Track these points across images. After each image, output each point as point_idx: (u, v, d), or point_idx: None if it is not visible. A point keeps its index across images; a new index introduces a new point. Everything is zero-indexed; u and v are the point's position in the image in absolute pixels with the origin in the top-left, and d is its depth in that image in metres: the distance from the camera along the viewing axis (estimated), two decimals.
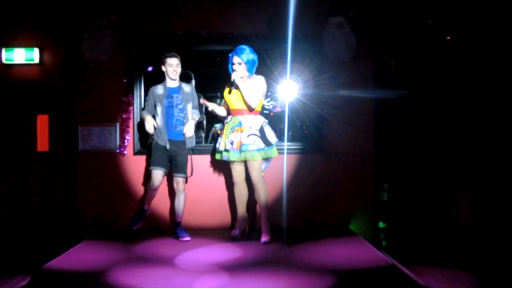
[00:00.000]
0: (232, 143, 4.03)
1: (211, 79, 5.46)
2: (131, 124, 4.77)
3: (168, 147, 4.13)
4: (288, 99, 4.81)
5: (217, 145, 4.22)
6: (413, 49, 4.68)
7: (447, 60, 4.57)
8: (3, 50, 4.76)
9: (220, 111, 4.27)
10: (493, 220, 4.12)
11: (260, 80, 4.09)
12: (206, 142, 5.18)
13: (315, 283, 3.02)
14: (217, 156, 4.27)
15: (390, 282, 3.17)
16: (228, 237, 4.22)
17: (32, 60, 4.75)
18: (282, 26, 4.61)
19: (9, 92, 4.87)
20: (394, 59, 4.78)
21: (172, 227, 4.41)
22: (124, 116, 4.74)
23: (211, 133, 5.32)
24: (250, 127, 4.02)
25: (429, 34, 4.58)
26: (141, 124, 4.35)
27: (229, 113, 4.20)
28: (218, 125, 5.17)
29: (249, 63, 4.06)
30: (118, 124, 4.77)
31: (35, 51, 4.75)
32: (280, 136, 5.02)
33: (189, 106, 4.21)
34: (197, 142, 4.70)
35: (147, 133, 4.31)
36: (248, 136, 3.99)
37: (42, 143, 4.87)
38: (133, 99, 4.76)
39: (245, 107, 4.05)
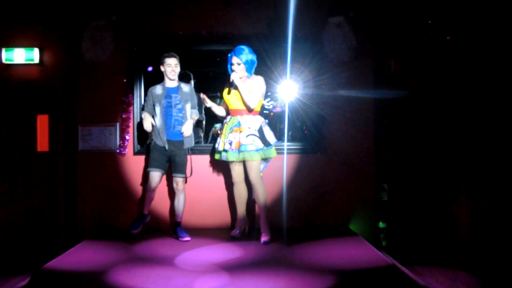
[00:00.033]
0: (231, 143, 4.03)
1: (211, 79, 5.47)
2: (131, 124, 4.77)
3: (167, 147, 4.13)
4: (288, 99, 4.81)
5: (216, 145, 4.22)
6: (413, 49, 4.68)
7: (447, 60, 4.57)
8: (3, 50, 4.75)
9: (219, 110, 4.27)
10: (493, 220, 4.12)
11: (259, 80, 4.09)
12: (206, 142, 5.18)
13: (315, 283, 3.02)
14: (216, 156, 4.27)
15: (390, 282, 3.17)
16: (228, 237, 4.22)
17: (32, 60, 4.75)
18: (282, 26, 4.61)
19: (9, 92, 4.86)
20: (394, 59, 4.78)
21: (172, 227, 4.41)
22: (124, 116, 4.74)
23: (211, 133, 5.33)
24: (249, 127, 4.02)
25: (429, 34, 4.58)
26: (141, 124, 4.35)
27: (228, 113, 4.20)
28: (218, 125, 5.17)
29: (248, 64, 4.05)
30: (118, 124, 4.77)
31: (35, 51, 4.74)
32: (280, 136, 5.03)
33: (188, 106, 4.20)
34: (196, 142, 4.70)
35: (145, 133, 4.31)
36: (247, 136, 3.99)
37: (42, 143, 4.87)
38: (133, 99, 4.76)
39: (244, 108, 4.05)
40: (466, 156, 4.46)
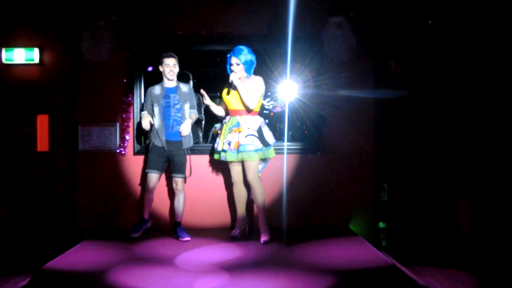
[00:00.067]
0: (229, 144, 4.03)
1: (211, 79, 5.47)
2: (131, 124, 4.77)
3: (166, 148, 4.13)
4: (288, 99, 4.80)
5: (216, 145, 4.22)
6: (413, 49, 4.68)
7: (447, 60, 4.57)
8: (3, 50, 4.76)
9: (218, 110, 4.27)
10: (493, 220, 4.12)
11: (258, 80, 4.09)
12: (206, 142, 5.18)
13: (315, 283, 3.02)
14: (216, 156, 4.27)
15: (390, 282, 3.17)
16: (228, 237, 4.22)
17: (32, 60, 4.75)
18: (282, 26, 4.61)
19: (9, 92, 4.87)
20: (394, 59, 4.78)
21: (172, 227, 4.41)
22: (124, 116, 4.74)
23: (211, 133, 5.33)
24: (248, 128, 4.02)
25: (429, 34, 4.58)
26: (140, 124, 4.34)
27: (227, 113, 4.20)
28: (217, 125, 5.17)
29: (247, 64, 4.05)
30: (118, 124, 4.77)
31: (35, 51, 4.75)
32: (280, 136, 5.03)
33: (187, 106, 4.20)
34: (196, 142, 4.70)
35: (144, 132, 4.31)
36: (246, 136, 3.99)
37: (42, 143, 4.87)
38: (133, 99, 4.76)
39: (243, 108, 4.05)
40: (466, 156, 4.46)
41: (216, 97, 5.23)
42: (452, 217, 4.56)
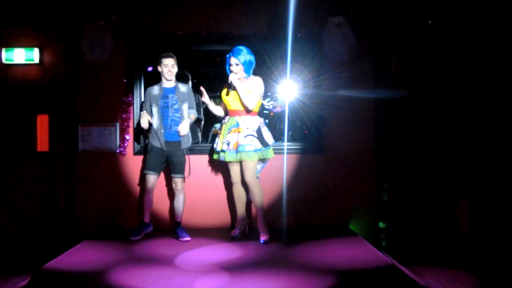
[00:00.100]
0: (228, 144, 4.03)
1: (211, 79, 5.47)
2: (131, 124, 4.77)
3: (164, 148, 4.12)
4: (288, 99, 4.81)
5: (215, 145, 4.22)
6: (413, 49, 4.68)
7: (447, 60, 4.57)
8: (3, 50, 4.76)
9: (216, 110, 4.26)
10: (493, 220, 4.12)
11: (257, 81, 4.09)
12: (206, 142, 5.18)
13: (315, 283, 3.02)
14: (215, 156, 4.27)
15: (390, 282, 3.17)
16: (228, 237, 4.22)
17: (32, 60, 4.75)
18: (282, 26, 4.61)
19: (9, 92, 4.87)
20: (394, 59, 4.78)
21: (172, 227, 4.41)
22: (124, 116, 4.74)
23: (211, 133, 5.33)
24: (248, 128, 4.02)
25: (429, 34, 4.57)
26: (139, 123, 4.33)
27: (226, 113, 4.20)
28: (217, 125, 5.17)
29: (246, 64, 4.05)
30: (118, 124, 4.77)
31: (35, 51, 4.75)
32: (280, 136, 5.03)
33: (185, 106, 4.19)
34: (195, 143, 4.70)
35: (143, 131, 4.30)
36: (245, 136, 3.99)
37: (42, 143, 4.87)
38: (133, 99, 4.76)
39: (242, 108, 4.05)
40: (466, 156, 4.45)
41: (216, 97, 5.24)
42: (452, 217, 4.56)
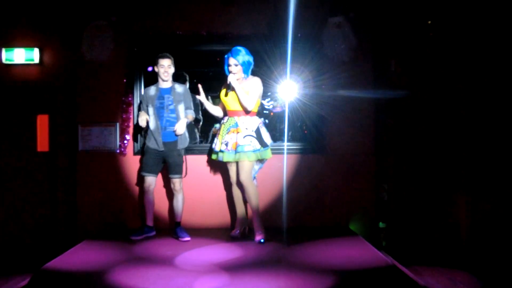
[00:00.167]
0: (227, 144, 4.03)
1: (211, 79, 5.47)
2: (131, 124, 4.77)
3: (160, 149, 4.12)
4: (288, 99, 4.81)
5: (213, 146, 4.22)
6: (413, 49, 4.68)
7: (447, 60, 4.57)
8: (3, 50, 4.76)
9: (213, 109, 4.25)
10: (493, 220, 4.12)
11: (256, 81, 4.09)
12: (206, 142, 5.18)
13: (315, 283, 3.02)
14: (213, 157, 4.27)
15: (390, 282, 3.17)
16: (228, 237, 4.22)
17: (32, 60, 4.75)
18: (282, 26, 4.61)
19: (9, 92, 4.87)
20: (394, 59, 4.78)
21: (171, 227, 4.41)
22: (124, 116, 4.75)
23: (211, 133, 5.32)
24: (247, 128, 4.02)
25: (429, 34, 4.57)
26: (137, 123, 4.33)
27: (225, 114, 4.20)
28: (218, 125, 5.16)
29: (245, 65, 4.05)
30: (118, 124, 4.77)
31: (35, 51, 4.75)
32: (280, 136, 5.03)
33: (181, 107, 4.18)
34: (194, 143, 4.70)
35: (141, 130, 4.30)
36: (244, 137, 3.99)
37: (42, 143, 4.87)
38: (133, 99, 4.76)
39: (241, 109, 4.05)
40: (466, 156, 4.45)
41: (216, 97, 5.23)
42: (452, 217, 4.56)
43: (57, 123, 4.84)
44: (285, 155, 4.67)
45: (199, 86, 4.07)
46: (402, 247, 4.58)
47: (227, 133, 4.05)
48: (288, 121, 4.77)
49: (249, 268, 3.34)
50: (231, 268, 3.33)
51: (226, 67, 4.10)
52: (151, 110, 4.16)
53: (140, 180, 4.72)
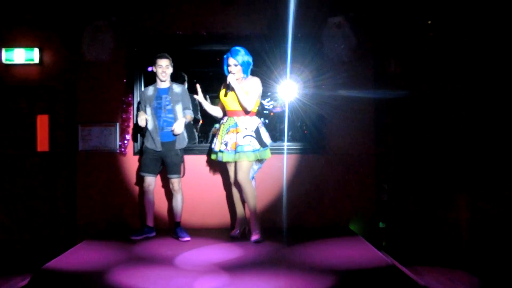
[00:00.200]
0: (226, 144, 4.02)
1: (211, 79, 5.47)
2: (131, 124, 4.77)
3: (158, 149, 4.12)
4: (288, 99, 4.81)
5: (213, 146, 4.22)
6: (413, 49, 4.68)
7: (447, 60, 4.57)
8: (3, 50, 4.76)
9: (211, 109, 4.24)
10: (493, 220, 4.12)
11: (255, 81, 4.09)
12: (206, 141, 5.18)
13: (315, 283, 3.02)
14: (213, 157, 4.27)
15: (390, 282, 3.17)
16: (228, 237, 4.22)
17: (32, 60, 4.75)
18: (282, 26, 4.61)
19: (9, 92, 4.87)
20: (394, 59, 4.78)
21: (171, 227, 4.41)
22: (124, 116, 4.75)
23: (211, 133, 5.33)
24: (246, 128, 4.02)
25: (429, 34, 4.57)
26: (137, 123, 4.33)
27: (225, 114, 4.20)
28: (217, 125, 5.16)
29: (244, 65, 4.05)
30: (118, 124, 4.77)
31: (35, 51, 4.75)
32: (280, 136, 5.03)
33: (179, 107, 4.17)
34: (193, 143, 4.69)
35: (140, 130, 4.30)
36: (244, 137, 3.98)
37: (42, 143, 4.87)
38: (133, 99, 4.76)
39: (240, 109, 4.05)
40: (466, 156, 4.45)
41: (216, 97, 5.23)
42: (452, 217, 4.56)
43: (57, 123, 4.84)
44: (285, 155, 4.67)
45: (197, 86, 4.07)
46: (402, 247, 4.58)
47: (227, 133, 4.05)
48: (288, 121, 4.77)
49: (249, 268, 3.34)
50: (231, 268, 3.33)
51: (225, 67, 4.10)
52: (148, 110, 4.16)
53: (140, 180, 4.72)
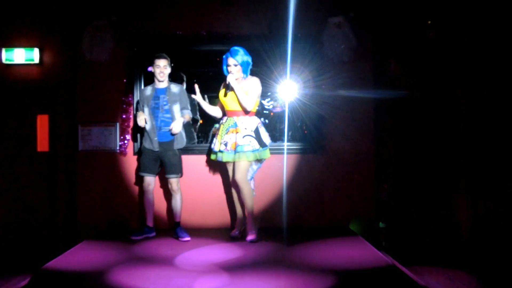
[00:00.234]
0: (226, 144, 4.02)
1: (211, 79, 5.46)
2: (131, 124, 4.77)
3: (156, 149, 4.12)
4: (288, 99, 4.81)
5: (213, 146, 4.22)
6: (413, 49, 4.68)
7: (447, 60, 4.57)
8: (3, 50, 4.76)
9: (210, 109, 4.24)
10: (493, 220, 4.12)
11: (255, 81, 4.09)
12: (206, 142, 5.18)
13: (315, 283, 3.02)
14: (212, 157, 4.27)
15: (390, 282, 3.17)
16: (228, 237, 4.22)
17: (32, 60, 4.75)
18: (282, 26, 4.61)
19: (9, 92, 4.87)
20: (394, 59, 4.78)
21: (171, 227, 4.41)
22: (124, 116, 4.75)
23: (211, 133, 5.32)
24: (246, 128, 4.02)
25: (429, 35, 4.57)
26: (136, 123, 4.33)
27: (224, 114, 4.20)
28: (217, 125, 5.16)
29: (244, 65, 4.05)
30: (118, 124, 4.77)
31: (35, 51, 4.75)
32: (280, 136, 5.03)
33: (176, 107, 4.17)
34: (192, 143, 4.69)
35: (140, 130, 4.30)
36: (243, 137, 3.99)
37: (42, 143, 4.87)
38: (133, 99, 4.76)
39: (240, 109, 4.05)
40: (466, 156, 4.45)
41: (215, 97, 5.23)
42: (452, 217, 4.56)
43: (57, 123, 4.84)
44: (285, 155, 4.67)
45: (195, 85, 4.07)
46: (402, 247, 4.58)
47: (226, 133, 4.05)
48: (288, 121, 4.77)
49: (249, 268, 3.34)
50: (231, 268, 3.33)
51: (224, 67, 4.10)
52: (146, 110, 4.16)
53: (140, 180, 4.72)
